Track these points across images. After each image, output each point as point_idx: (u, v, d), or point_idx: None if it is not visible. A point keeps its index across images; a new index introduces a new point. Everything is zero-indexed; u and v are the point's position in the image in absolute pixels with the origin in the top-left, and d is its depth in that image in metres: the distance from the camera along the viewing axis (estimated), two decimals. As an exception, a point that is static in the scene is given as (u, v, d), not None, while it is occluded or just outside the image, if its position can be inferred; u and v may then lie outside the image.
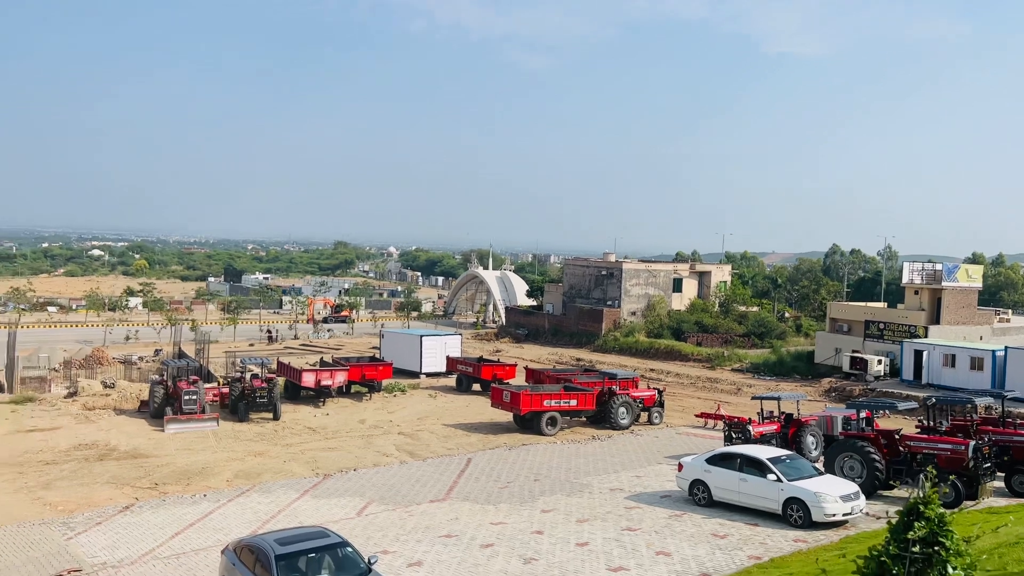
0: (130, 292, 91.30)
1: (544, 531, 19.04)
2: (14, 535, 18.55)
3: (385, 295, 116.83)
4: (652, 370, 50.57)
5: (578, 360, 55.29)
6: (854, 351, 46.72)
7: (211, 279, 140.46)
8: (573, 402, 32.21)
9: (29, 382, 38.93)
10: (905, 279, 49.16)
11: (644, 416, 34.21)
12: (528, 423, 31.62)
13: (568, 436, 31.30)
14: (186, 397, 31.25)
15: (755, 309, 68.61)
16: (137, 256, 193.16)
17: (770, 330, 61.03)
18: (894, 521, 4.46)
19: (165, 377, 33.58)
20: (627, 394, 33.78)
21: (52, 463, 25.55)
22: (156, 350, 53.41)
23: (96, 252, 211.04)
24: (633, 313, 65.64)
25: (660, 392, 35.77)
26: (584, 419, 33.35)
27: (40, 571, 16.31)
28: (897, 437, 22.53)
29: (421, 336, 47.88)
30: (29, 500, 21.66)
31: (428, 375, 45.38)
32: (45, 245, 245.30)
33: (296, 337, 67.38)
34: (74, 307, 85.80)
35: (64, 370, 43.22)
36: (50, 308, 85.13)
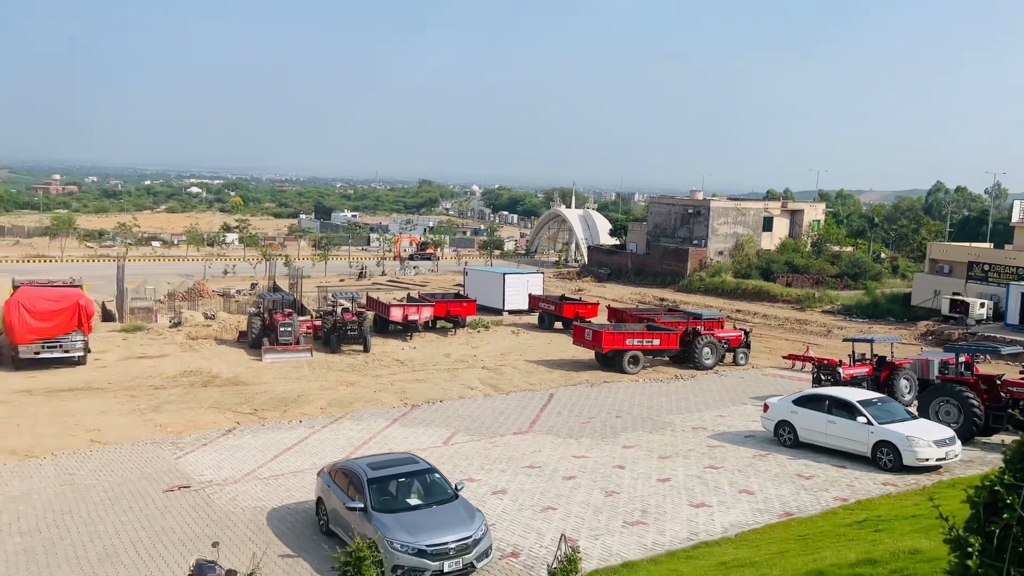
0: (227, 228, 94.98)
1: (626, 466, 19.27)
2: (130, 452, 20.01)
3: (468, 233, 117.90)
4: (738, 311, 49.68)
5: (661, 300, 54.77)
6: (955, 293, 44.61)
7: (302, 216, 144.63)
8: (656, 341, 32.06)
9: (137, 312, 41.35)
10: (1015, 218, 46.34)
11: (729, 357, 33.82)
12: (610, 361, 31.71)
13: (650, 375, 31.29)
14: (282, 329, 32.61)
15: (849, 249, 66.11)
16: (232, 193, 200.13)
17: (864, 271, 58.80)
18: (1009, 453, 4.30)
19: (262, 309, 35.06)
20: (712, 334, 33.38)
21: (161, 388, 27.26)
22: (252, 284, 55.74)
23: (194, 189, 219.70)
24: (720, 253, 64.27)
25: (746, 333, 35.19)
26: (667, 359, 33.21)
27: (153, 486, 17.60)
28: (999, 382, 21.59)
29: (504, 274, 48.27)
30: (142, 421, 23.25)
31: (510, 312, 45.88)
32: (147, 183, 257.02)
33: (383, 273, 69.03)
34: (175, 242, 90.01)
35: (168, 302, 45.65)
36: (154, 243, 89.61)
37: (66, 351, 29.74)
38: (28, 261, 68.84)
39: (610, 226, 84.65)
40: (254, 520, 15.68)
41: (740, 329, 35.82)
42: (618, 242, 77.63)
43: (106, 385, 27.29)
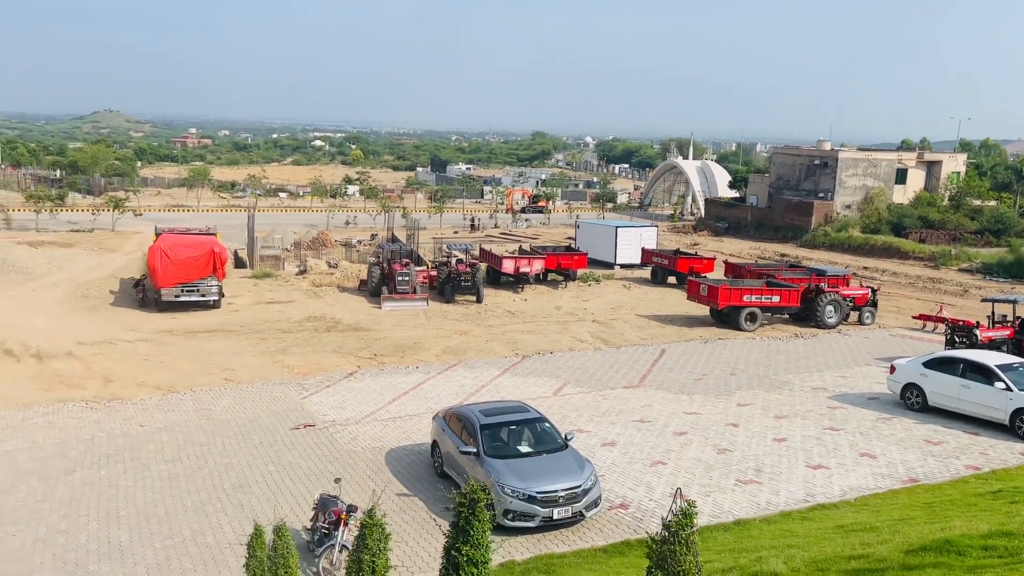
0: (348, 180, 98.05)
1: (740, 424, 18.89)
2: (260, 391, 21.31)
3: (581, 186, 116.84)
4: (866, 268, 47.24)
5: (783, 255, 52.76)
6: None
7: (419, 169, 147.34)
8: (775, 298, 30.98)
9: (266, 260, 43.57)
10: None
11: (854, 316, 32.29)
12: (725, 318, 30.94)
13: (768, 332, 30.35)
14: (400, 278, 33.60)
15: (993, 204, 61.29)
16: (353, 147, 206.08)
17: (1008, 227, 54.41)
18: None
19: (381, 259, 36.19)
20: (836, 292, 31.91)
21: (288, 332, 28.75)
22: (372, 234, 57.49)
23: (318, 143, 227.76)
24: (847, 206, 61.04)
25: (873, 291, 33.45)
26: (787, 316, 32.07)
27: (281, 423, 18.71)
28: None
29: (616, 227, 47.68)
30: (271, 363, 24.65)
31: (622, 266, 45.40)
32: (275, 136, 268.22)
33: (496, 226, 69.60)
34: (301, 194, 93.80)
35: (294, 250, 47.84)
36: (281, 194, 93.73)
37: (203, 295, 31.78)
38: (168, 210, 73.55)
39: (729, 178, 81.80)
40: (373, 459, 16.42)
41: (867, 287, 34.07)
42: (737, 195, 75.00)
43: (238, 328, 29.03)
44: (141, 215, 63.35)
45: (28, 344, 25.45)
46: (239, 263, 43.14)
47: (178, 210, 74.79)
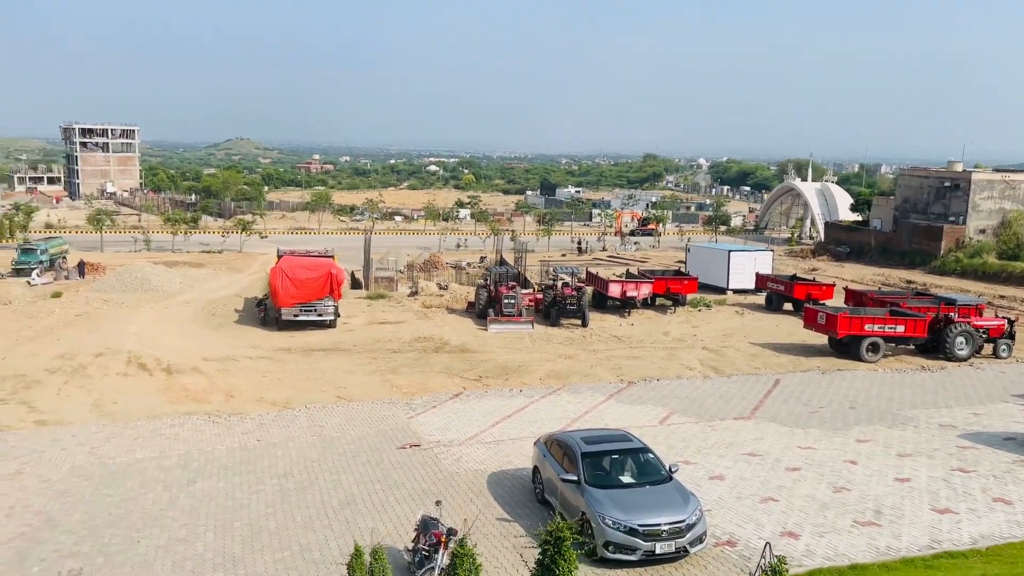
0: (460, 204, 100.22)
1: (858, 462, 17.87)
2: (369, 410, 21.89)
3: (692, 208, 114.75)
4: (1002, 297, 43.97)
5: (909, 282, 49.86)
6: None
7: (528, 192, 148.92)
8: (900, 328, 29.25)
9: (380, 281, 44.97)
10: None
11: (988, 348, 30.06)
12: (845, 348, 29.44)
13: (892, 364, 28.67)
14: (506, 301, 33.89)
15: None
16: (466, 171, 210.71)
17: None
18: None
19: (488, 282, 36.64)
20: (967, 322, 29.82)
21: (398, 352, 29.48)
22: (481, 257, 58.41)
23: (432, 168, 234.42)
24: (982, 231, 57.12)
25: (1011, 322, 31.03)
26: (912, 347, 30.20)
27: (388, 442, 19.13)
28: None
29: (729, 251, 46.43)
30: (380, 381, 25.31)
31: (735, 292, 44.10)
32: (392, 162, 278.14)
33: (604, 248, 69.25)
34: (415, 217, 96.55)
35: (407, 272, 49.18)
36: (396, 217, 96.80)
37: (319, 315, 33.08)
38: (291, 233, 77.23)
39: (851, 201, 78.29)
40: (475, 482, 16.52)
41: (1003, 317, 31.66)
42: (860, 218, 71.63)
43: (352, 347, 30.01)
44: (266, 237, 66.87)
45: (160, 359, 27.18)
46: (355, 284, 44.68)
47: (300, 232, 78.40)
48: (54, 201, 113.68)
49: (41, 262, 46.91)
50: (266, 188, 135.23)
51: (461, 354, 29.22)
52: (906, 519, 14.70)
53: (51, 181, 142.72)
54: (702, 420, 21.15)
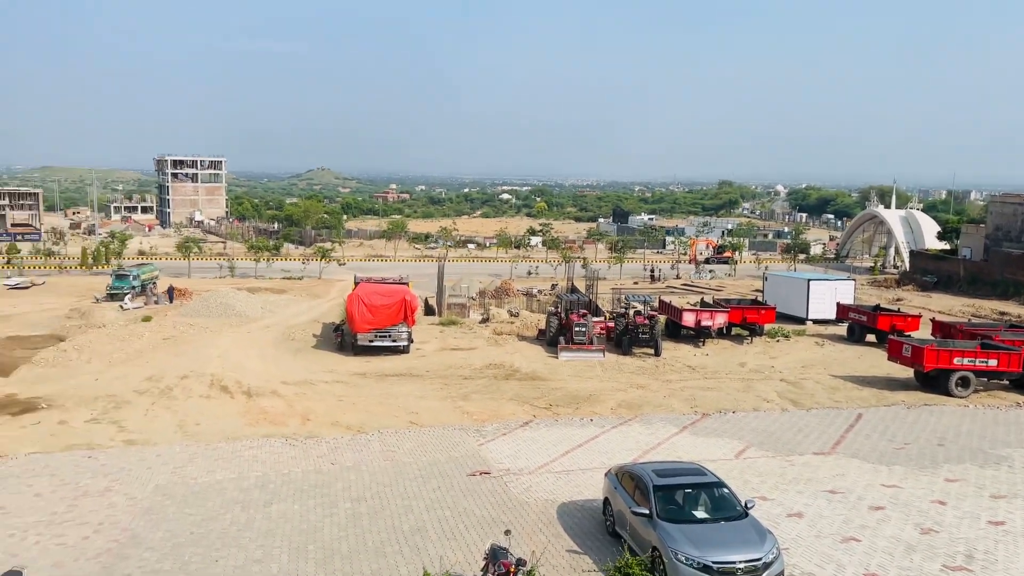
0: (532, 232, 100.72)
1: (947, 502, 17.00)
2: (440, 435, 22.05)
3: (770, 236, 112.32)
4: (1107, 330, 41.38)
5: (1001, 314, 47.45)
6: None
7: (600, 220, 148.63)
8: (992, 362, 27.83)
9: (453, 308, 45.46)
10: None
11: (1091, 385, 28.28)
12: (932, 381, 28.17)
13: (983, 400, 27.26)
14: (577, 329, 33.76)
15: None
16: (538, 199, 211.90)
17: None
18: None
19: (559, 309, 36.60)
20: (1068, 357, 28.15)
21: (469, 378, 29.65)
22: (552, 284, 58.43)
23: (505, 196, 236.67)
24: (1083, 260, 54.03)
25: (1117, 357, 29.14)
26: (1006, 383, 28.69)
27: (459, 469, 19.19)
28: None
29: (808, 280, 45.18)
30: (452, 408, 25.48)
31: (815, 322, 42.81)
32: (466, 190, 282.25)
33: (678, 277, 68.35)
34: (487, 244, 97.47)
35: (479, 299, 49.58)
36: (469, 245, 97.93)
37: (394, 340, 33.63)
38: (368, 260, 78.96)
39: (938, 229, 75.38)
40: (544, 512, 16.39)
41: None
42: (947, 247, 68.81)
43: (424, 373, 30.36)
44: (344, 264, 68.53)
45: (241, 382, 28.06)
46: (428, 310, 45.28)
47: (377, 260, 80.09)
48: (146, 229, 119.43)
49: (133, 287, 49.25)
50: (345, 217, 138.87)
51: (531, 382, 29.19)
52: (1000, 565, 13.89)
53: (144, 210, 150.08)
54: (780, 455, 20.51)
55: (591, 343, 33.74)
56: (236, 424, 23.20)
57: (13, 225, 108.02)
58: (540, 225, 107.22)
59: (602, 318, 38.49)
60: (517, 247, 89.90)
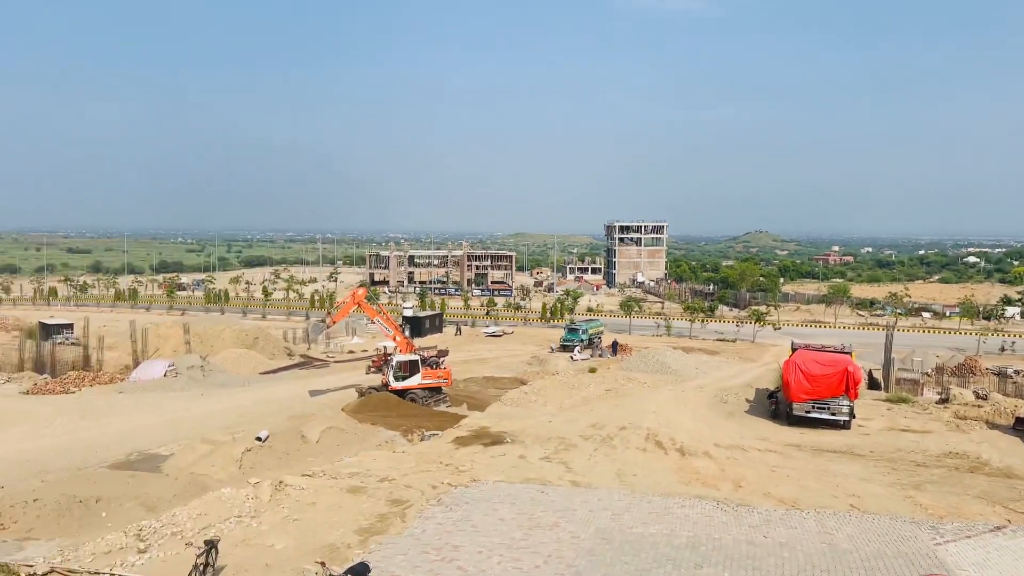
0: (1006, 301, 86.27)
1: None
2: (886, 527, 19.83)
3: None
4: None
5: None
6: None
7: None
8: None
9: (903, 383, 40.95)
10: None
11: None
12: None
13: None
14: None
15: None
16: (1015, 263, 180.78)
17: None
18: None
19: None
20: None
21: (922, 465, 26.25)
22: (1035, 365, 49.06)
23: (971, 259, 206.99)
24: None
25: None
26: None
27: (909, 567, 17.01)
28: None
29: None
30: (901, 496, 22.78)
31: None
32: (921, 252, 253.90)
33: None
34: (947, 313, 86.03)
35: (936, 376, 43.87)
36: (924, 313, 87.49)
37: (833, 413, 31.48)
38: (805, 325, 75.50)
39: None
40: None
41: None
42: None
43: (867, 452, 27.76)
44: (779, 329, 66.62)
45: (674, 439, 28.86)
46: (872, 384, 41.57)
47: (815, 326, 76.19)
48: (595, 288, 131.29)
49: (582, 341, 54.35)
50: (781, 280, 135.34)
51: (1006, 480, 24.72)
52: None
53: (594, 271, 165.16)
54: None
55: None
56: (669, 480, 23.86)
57: (492, 283, 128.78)
58: (1018, 293, 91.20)
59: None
60: (987, 318, 77.64)
